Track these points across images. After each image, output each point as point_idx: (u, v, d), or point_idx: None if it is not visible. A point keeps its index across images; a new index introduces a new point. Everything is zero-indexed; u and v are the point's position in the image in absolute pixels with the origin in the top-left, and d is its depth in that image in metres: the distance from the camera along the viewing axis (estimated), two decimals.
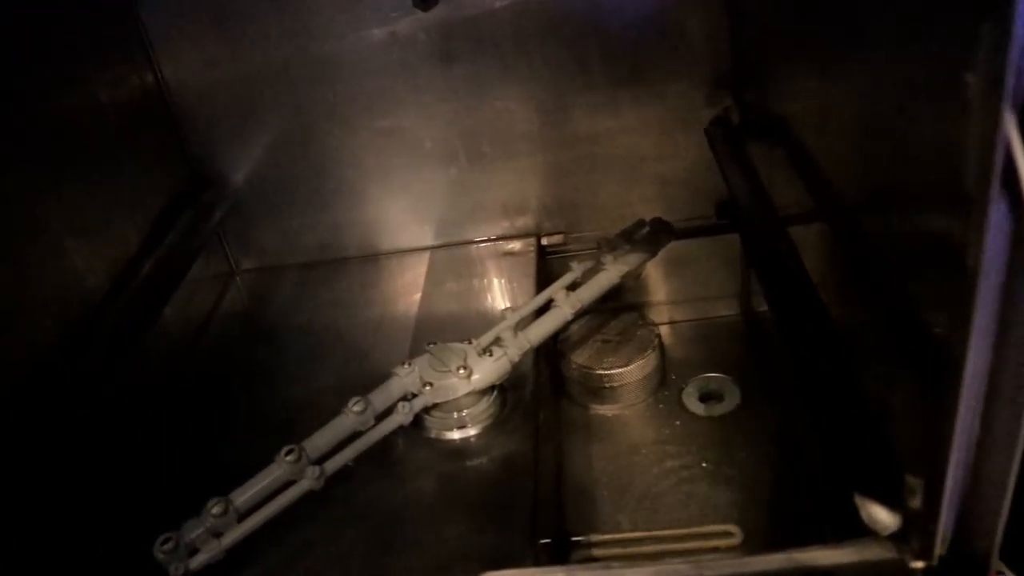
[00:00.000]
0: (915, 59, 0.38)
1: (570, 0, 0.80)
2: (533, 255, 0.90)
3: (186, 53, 0.85)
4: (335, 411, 0.63)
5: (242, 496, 0.58)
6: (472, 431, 0.67)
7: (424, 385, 0.66)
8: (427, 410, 0.67)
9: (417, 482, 0.64)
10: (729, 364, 0.86)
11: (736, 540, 0.67)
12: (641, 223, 0.79)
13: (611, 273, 0.75)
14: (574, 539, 0.69)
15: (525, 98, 0.86)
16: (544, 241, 0.93)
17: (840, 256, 0.56)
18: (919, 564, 0.41)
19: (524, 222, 0.93)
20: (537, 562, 0.57)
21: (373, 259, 0.95)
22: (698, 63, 0.83)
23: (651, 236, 0.78)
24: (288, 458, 0.59)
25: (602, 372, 0.82)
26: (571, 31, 0.82)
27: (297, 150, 0.90)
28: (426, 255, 0.93)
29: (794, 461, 0.72)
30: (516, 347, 0.68)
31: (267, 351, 0.84)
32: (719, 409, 0.81)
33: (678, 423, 0.81)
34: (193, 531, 0.56)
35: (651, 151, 0.88)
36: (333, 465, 0.61)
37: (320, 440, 0.62)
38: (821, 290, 0.58)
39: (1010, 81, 0.28)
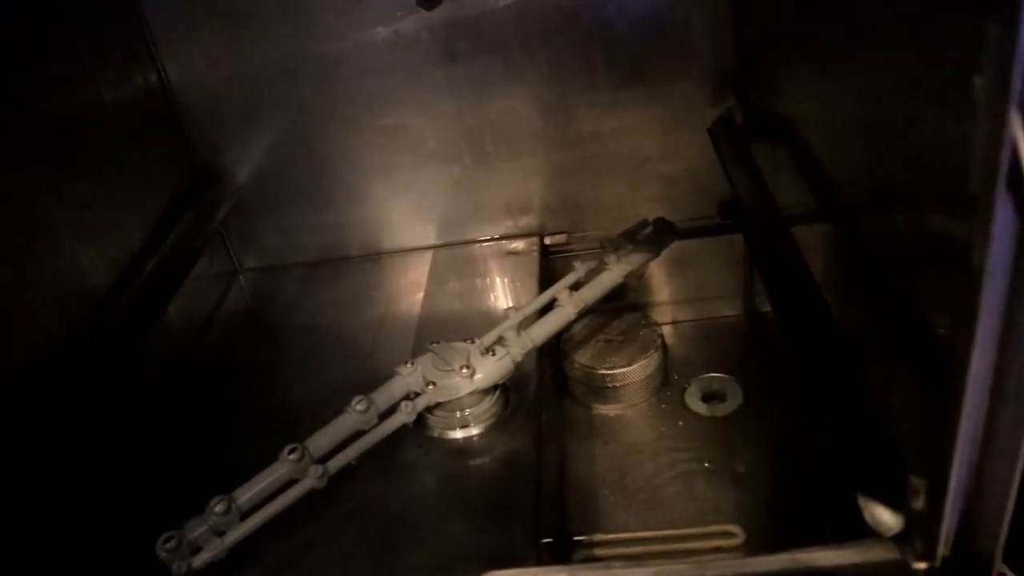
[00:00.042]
0: (920, 59, 0.38)
1: (573, 0, 0.80)
2: (536, 254, 0.90)
3: (189, 52, 0.85)
4: (338, 410, 0.63)
5: (245, 495, 0.58)
6: (475, 430, 0.67)
7: (427, 384, 0.66)
8: (430, 409, 0.67)
9: (420, 481, 0.64)
10: (732, 364, 0.86)
11: (738, 540, 0.67)
12: (644, 223, 0.79)
13: (614, 273, 0.75)
14: (576, 539, 0.69)
15: (528, 98, 0.86)
16: (547, 241, 0.93)
17: (843, 256, 0.56)
18: (922, 565, 0.41)
19: (527, 221, 0.93)
20: (540, 562, 0.57)
21: (376, 258, 0.95)
22: (702, 63, 0.83)
23: (654, 236, 0.78)
24: (291, 457, 0.59)
25: (605, 372, 0.82)
26: (575, 30, 0.82)
27: (300, 149, 0.90)
28: (429, 254, 0.93)
29: (796, 461, 0.72)
30: (519, 347, 0.68)
31: (270, 350, 0.84)
32: (721, 409, 0.81)
33: (680, 423, 0.81)
34: (196, 529, 0.56)
35: (654, 151, 0.88)
36: (336, 464, 0.61)
37: (323, 439, 0.62)
38: (824, 290, 0.58)
39: (1016, 82, 0.28)
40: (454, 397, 0.66)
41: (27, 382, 0.60)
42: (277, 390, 0.78)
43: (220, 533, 0.57)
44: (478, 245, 0.94)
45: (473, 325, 0.73)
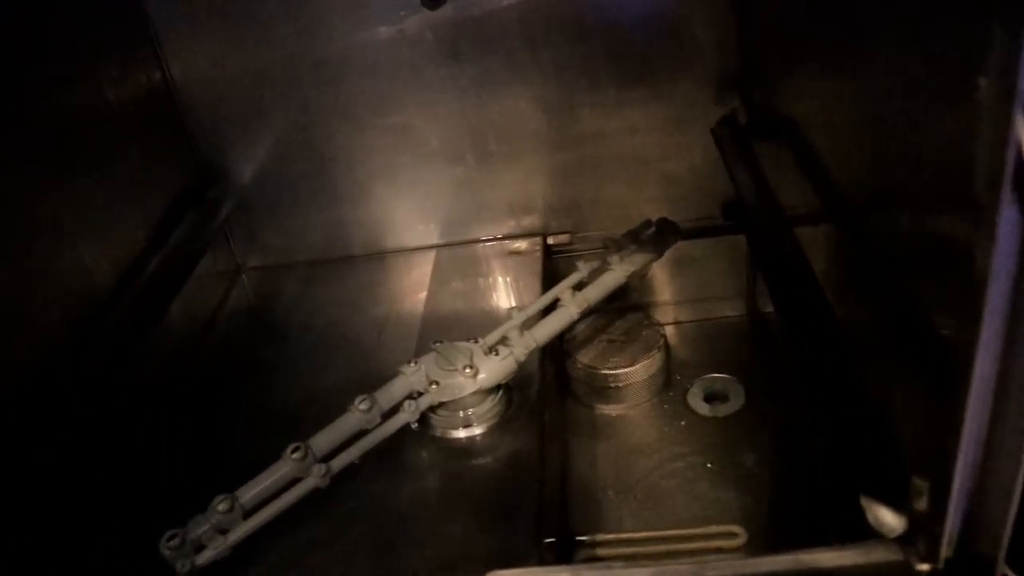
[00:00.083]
0: (925, 61, 0.38)
1: (577, 0, 0.80)
2: (539, 254, 0.90)
3: (193, 51, 0.85)
4: (341, 409, 0.63)
5: (248, 493, 0.58)
6: (478, 430, 0.68)
7: (430, 384, 0.66)
8: (433, 409, 0.67)
9: (422, 481, 0.64)
10: (734, 365, 0.86)
11: (740, 541, 0.67)
12: (647, 223, 0.79)
13: (617, 273, 0.75)
14: (578, 539, 0.69)
15: (532, 97, 0.86)
16: (550, 240, 0.93)
17: (847, 257, 0.56)
18: (925, 567, 0.41)
19: (530, 221, 0.93)
20: (542, 561, 0.57)
21: (379, 257, 0.95)
22: (705, 63, 0.83)
23: (657, 236, 0.79)
24: (294, 456, 0.59)
25: (607, 372, 0.82)
26: (578, 31, 0.82)
27: (303, 148, 0.90)
28: (432, 254, 0.93)
29: (799, 462, 0.72)
30: (522, 346, 0.68)
31: (272, 349, 0.84)
32: (724, 410, 0.81)
33: (683, 423, 0.81)
34: (199, 528, 0.56)
35: (658, 151, 0.88)
36: (339, 463, 0.61)
37: (326, 438, 0.62)
38: (827, 291, 0.58)
39: (1021, 84, 0.28)
40: (457, 397, 0.66)
41: (31, 381, 0.60)
42: (280, 389, 0.78)
43: (223, 531, 0.57)
44: (481, 245, 0.94)
45: (476, 325, 0.73)
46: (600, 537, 0.69)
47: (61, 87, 0.71)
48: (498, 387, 0.69)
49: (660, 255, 0.78)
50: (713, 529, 0.69)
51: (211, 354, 0.85)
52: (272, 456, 0.60)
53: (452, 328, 0.78)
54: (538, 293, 0.80)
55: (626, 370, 0.82)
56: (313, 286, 0.93)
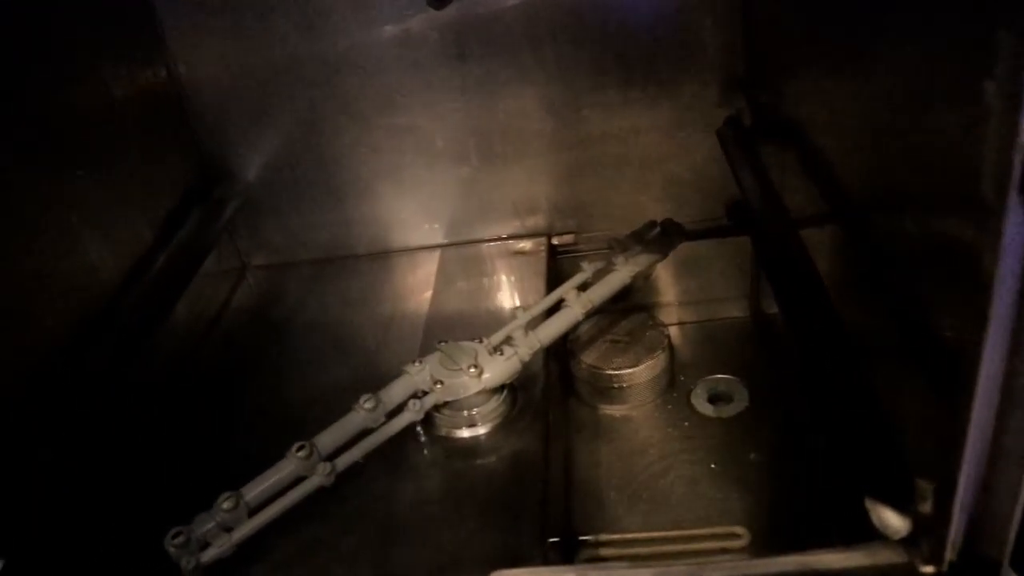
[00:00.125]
0: (932, 64, 0.38)
1: (583, 0, 0.81)
2: (544, 255, 0.90)
3: (200, 49, 0.85)
4: (346, 408, 0.63)
5: (253, 491, 0.58)
6: (482, 430, 0.68)
7: (435, 383, 0.66)
8: (437, 408, 0.67)
9: (426, 480, 0.64)
10: (738, 365, 0.86)
11: (743, 542, 0.68)
12: (652, 224, 0.79)
13: (622, 274, 0.75)
14: (582, 539, 0.69)
15: (537, 98, 0.86)
16: (555, 241, 0.93)
17: (852, 259, 0.56)
18: (929, 569, 0.41)
19: (535, 221, 0.93)
20: (546, 561, 0.57)
21: (384, 257, 0.95)
22: (711, 64, 0.83)
23: (662, 237, 0.79)
24: (299, 454, 0.59)
25: (611, 372, 0.82)
26: (584, 31, 0.82)
27: (309, 147, 0.90)
28: (437, 253, 0.93)
29: (802, 463, 0.72)
30: (527, 346, 0.68)
31: (277, 348, 0.85)
32: (728, 410, 0.81)
33: (686, 424, 0.81)
34: (204, 525, 0.56)
35: (663, 152, 0.88)
36: (343, 462, 0.61)
37: (331, 437, 0.62)
38: (832, 293, 0.58)
39: None
40: (462, 396, 0.66)
41: (36, 378, 0.60)
42: (284, 387, 0.78)
43: (228, 529, 0.57)
44: (486, 245, 0.94)
45: (481, 324, 0.73)
46: (604, 537, 0.69)
47: (67, 85, 0.71)
48: (502, 387, 0.69)
49: (665, 256, 0.78)
50: (717, 530, 0.69)
51: (216, 352, 0.85)
52: (277, 454, 0.60)
53: (457, 328, 0.78)
54: (543, 293, 0.80)
55: (630, 371, 0.82)
56: (318, 285, 0.93)
